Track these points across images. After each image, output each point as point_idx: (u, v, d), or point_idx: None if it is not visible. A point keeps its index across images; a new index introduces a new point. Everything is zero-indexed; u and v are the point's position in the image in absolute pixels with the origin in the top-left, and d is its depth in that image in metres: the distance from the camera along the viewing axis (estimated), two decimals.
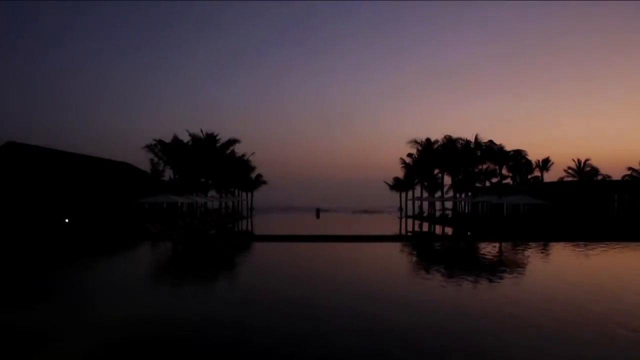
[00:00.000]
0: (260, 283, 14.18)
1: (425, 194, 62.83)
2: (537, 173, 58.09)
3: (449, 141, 52.27)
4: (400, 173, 65.78)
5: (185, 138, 48.30)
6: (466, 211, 53.88)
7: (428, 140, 56.47)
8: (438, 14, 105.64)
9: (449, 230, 40.51)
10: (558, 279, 15.10)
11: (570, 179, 55.65)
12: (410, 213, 65.40)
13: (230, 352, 7.62)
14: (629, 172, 53.24)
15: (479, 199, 48.02)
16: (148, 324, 9.20)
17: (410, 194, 67.97)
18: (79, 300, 11.45)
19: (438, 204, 58.89)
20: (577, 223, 33.59)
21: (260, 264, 19.22)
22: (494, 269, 17.39)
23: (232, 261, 20.03)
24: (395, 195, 71.44)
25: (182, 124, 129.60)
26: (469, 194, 53.94)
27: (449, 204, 56.84)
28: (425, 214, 61.38)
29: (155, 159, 50.13)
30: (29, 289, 12.86)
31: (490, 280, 14.74)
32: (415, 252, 23.46)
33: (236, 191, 64.24)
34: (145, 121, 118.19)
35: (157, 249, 23.44)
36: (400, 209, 69.77)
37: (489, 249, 23.35)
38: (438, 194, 58.73)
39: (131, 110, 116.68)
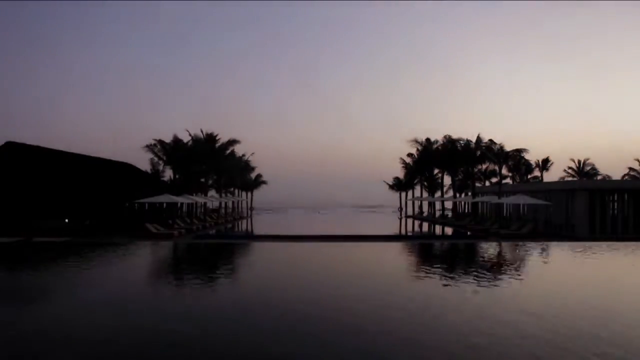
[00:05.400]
0: (260, 283, 14.18)
1: (425, 194, 62.85)
2: (537, 173, 58.18)
3: (449, 141, 52.26)
4: (400, 173, 65.89)
5: (185, 138, 48.30)
6: (466, 211, 53.87)
7: (428, 140, 56.49)
8: (438, 13, 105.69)
9: (449, 231, 40.55)
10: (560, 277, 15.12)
11: (570, 178, 55.75)
12: (410, 213, 65.46)
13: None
14: (628, 172, 53.30)
15: (479, 199, 48.00)
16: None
17: (410, 193, 68.00)
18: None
19: (438, 204, 58.90)
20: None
21: (260, 263, 19.20)
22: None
23: (231, 261, 20.03)
24: (389, 195, 71.53)
25: (182, 123, 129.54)
26: (469, 194, 53.92)
27: (449, 204, 56.82)
28: (425, 214, 61.45)
29: (155, 159, 50.08)
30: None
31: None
32: (415, 252, 23.49)
33: (236, 191, 64.27)
34: (145, 121, 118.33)
35: (157, 249, 23.42)
36: (400, 208, 69.79)
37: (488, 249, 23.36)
38: (438, 194, 58.79)
39: (131, 110, 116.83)
